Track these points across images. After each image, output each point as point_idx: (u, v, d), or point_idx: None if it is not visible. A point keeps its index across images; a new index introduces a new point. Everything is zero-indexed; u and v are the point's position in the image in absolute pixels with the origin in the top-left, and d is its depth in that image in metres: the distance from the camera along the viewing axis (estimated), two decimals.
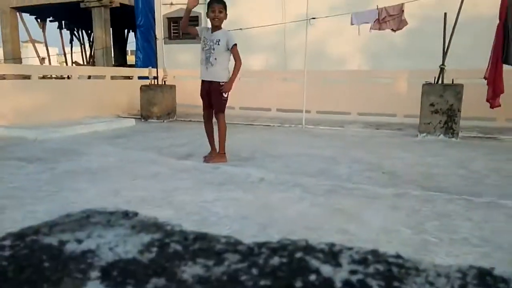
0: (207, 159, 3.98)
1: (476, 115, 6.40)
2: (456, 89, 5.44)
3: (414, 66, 7.83)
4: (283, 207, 2.60)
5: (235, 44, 3.79)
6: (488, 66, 5.58)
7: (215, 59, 3.77)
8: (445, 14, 5.51)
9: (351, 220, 2.36)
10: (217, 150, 4.01)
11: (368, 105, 7.49)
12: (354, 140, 5.53)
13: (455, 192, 2.94)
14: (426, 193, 2.92)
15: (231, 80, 3.84)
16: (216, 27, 3.80)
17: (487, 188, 3.12)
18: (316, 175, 3.47)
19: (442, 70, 5.64)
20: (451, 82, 5.54)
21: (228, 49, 3.79)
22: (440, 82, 5.60)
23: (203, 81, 3.93)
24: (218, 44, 3.75)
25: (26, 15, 16.54)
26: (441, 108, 5.48)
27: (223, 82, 3.83)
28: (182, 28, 3.89)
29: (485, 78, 5.63)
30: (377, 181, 3.31)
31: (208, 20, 3.85)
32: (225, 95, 3.87)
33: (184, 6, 3.86)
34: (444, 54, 5.66)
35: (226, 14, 3.81)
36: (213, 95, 3.87)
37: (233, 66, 3.86)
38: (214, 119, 4.03)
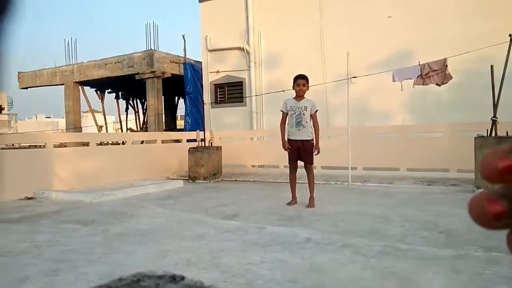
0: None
1: None
2: None
3: (462, 119, 7.57)
4: (332, 270, 2.48)
5: (317, 110, 4.66)
6: None
7: (306, 122, 4.59)
8: (492, 66, 5.41)
9: (407, 285, 2.20)
10: (310, 195, 4.66)
11: (417, 160, 7.24)
12: (405, 197, 5.29)
13: None
14: (489, 254, 2.68)
15: (318, 141, 4.63)
16: (300, 97, 4.64)
17: None
18: (366, 235, 3.32)
19: (494, 122, 5.41)
20: (505, 135, 5.28)
21: (310, 114, 4.59)
22: (493, 134, 5.35)
23: (293, 140, 4.62)
24: (306, 110, 4.59)
25: (87, 88, 18.20)
26: None
27: (312, 139, 4.61)
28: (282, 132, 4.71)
29: None
30: (434, 241, 3.10)
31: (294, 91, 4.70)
32: (315, 152, 4.63)
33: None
34: (495, 106, 5.46)
35: (308, 87, 4.68)
36: (306, 151, 4.60)
37: (313, 129, 4.63)
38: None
